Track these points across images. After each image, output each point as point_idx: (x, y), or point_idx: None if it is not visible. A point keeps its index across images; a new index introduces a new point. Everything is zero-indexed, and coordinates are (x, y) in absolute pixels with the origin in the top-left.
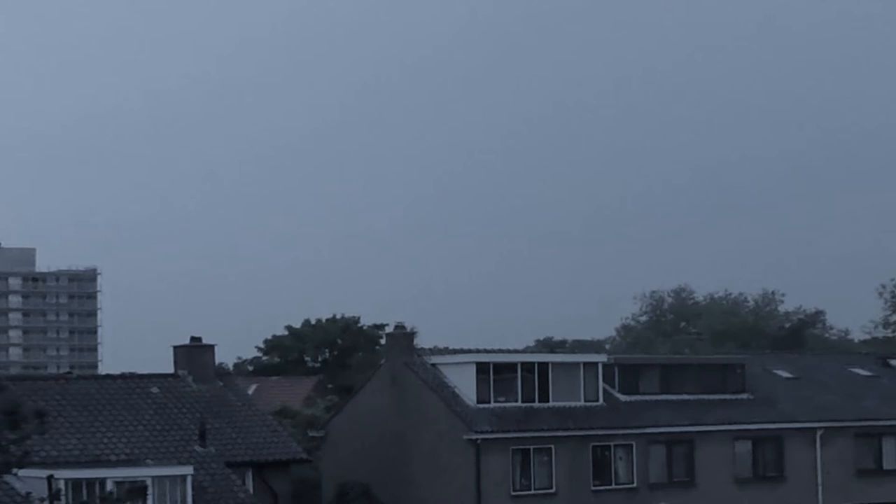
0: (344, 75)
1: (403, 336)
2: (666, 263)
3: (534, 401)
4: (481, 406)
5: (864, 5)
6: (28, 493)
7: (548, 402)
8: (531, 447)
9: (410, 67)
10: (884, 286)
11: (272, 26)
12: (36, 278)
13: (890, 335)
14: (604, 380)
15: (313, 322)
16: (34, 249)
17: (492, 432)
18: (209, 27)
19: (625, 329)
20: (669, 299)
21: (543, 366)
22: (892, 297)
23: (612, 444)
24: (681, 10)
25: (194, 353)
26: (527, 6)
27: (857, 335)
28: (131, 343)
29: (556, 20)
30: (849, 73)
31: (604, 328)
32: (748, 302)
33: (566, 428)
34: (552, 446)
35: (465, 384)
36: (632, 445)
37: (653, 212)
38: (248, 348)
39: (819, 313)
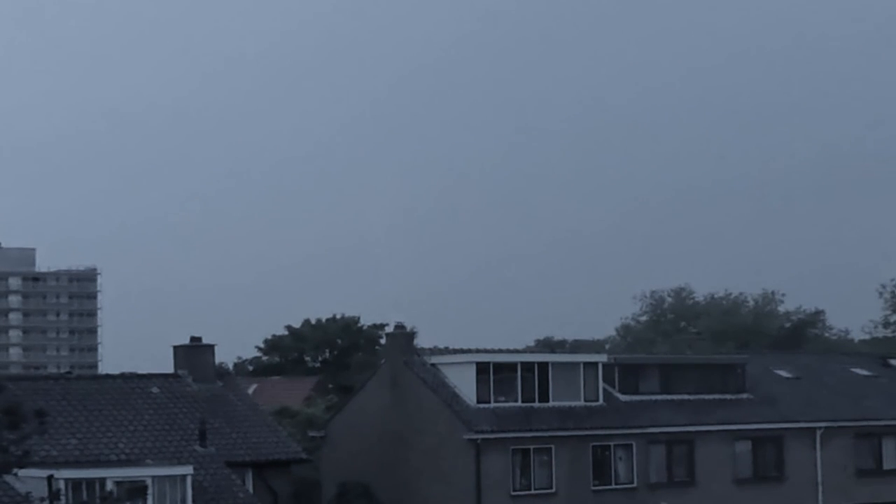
0: (345, 82)
1: (403, 336)
2: (666, 263)
3: (534, 401)
4: (481, 406)
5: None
6: (28, 493)
7: (548, 401)
8: (531, 447)
9: (412, 75)
10: (884, 286)
11: (271, 38)
12: (36, 278)
13: (890, 335)
14: (604, 380)
15: (313, 322)
16: (34, 249)
17: (492, 432)
18: (213, 32)
19: (625, 329)
20: (669, 299)
21: (543, 366)
22: (892, 297)
23: (612, 444)
24: (679, 14)
25: (194, 353)
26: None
27: (857, 335)
28: (131, 343)
29: (562, 28)
30: (850, 75)
31: (604, 328)
32: (748, 302)
33: (566, 428)
34: (552, 446)
35: (465, 384)
36: (632, 445)
37: (653, 212)
38: (248, 348)
39: (819, 313)
